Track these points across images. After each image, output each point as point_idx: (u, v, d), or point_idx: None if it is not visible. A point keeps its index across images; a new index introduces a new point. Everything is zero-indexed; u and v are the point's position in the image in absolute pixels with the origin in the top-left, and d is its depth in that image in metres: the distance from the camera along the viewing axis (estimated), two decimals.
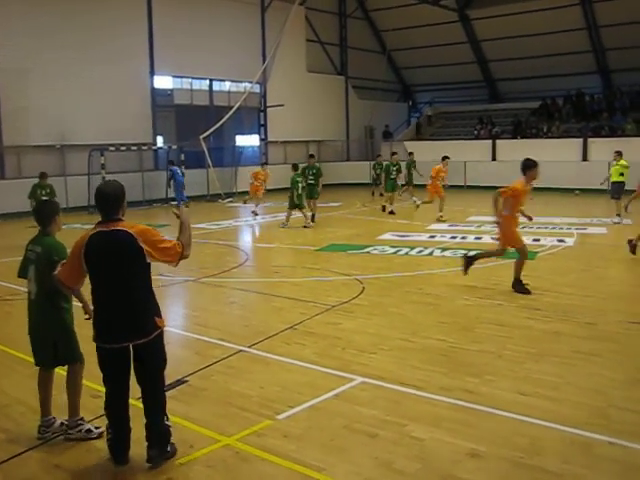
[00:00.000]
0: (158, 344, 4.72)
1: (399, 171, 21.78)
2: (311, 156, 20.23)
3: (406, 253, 13.19)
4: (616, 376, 6.20)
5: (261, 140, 31.95)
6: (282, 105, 30.05)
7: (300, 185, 17.78)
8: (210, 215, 21.02)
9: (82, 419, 5.21)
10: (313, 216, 18.34)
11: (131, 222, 4.69)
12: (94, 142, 23.49)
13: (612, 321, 8.07)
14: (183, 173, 24.37)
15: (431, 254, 13.05)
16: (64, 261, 4.89)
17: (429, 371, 6.43)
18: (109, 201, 4.69)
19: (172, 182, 24.05)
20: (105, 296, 4.66)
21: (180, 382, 6.23)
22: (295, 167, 18.22)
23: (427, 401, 5.75)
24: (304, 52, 33.25)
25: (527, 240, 14.39)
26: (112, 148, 23.48)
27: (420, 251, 13.35)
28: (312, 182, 18.64)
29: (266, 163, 24.08)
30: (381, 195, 24.90)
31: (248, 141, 32.07)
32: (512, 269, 9.92)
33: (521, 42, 33.20)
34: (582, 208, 21.21)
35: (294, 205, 17.70)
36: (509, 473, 4.51)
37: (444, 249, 13.52)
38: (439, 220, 18.19)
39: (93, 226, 4.72)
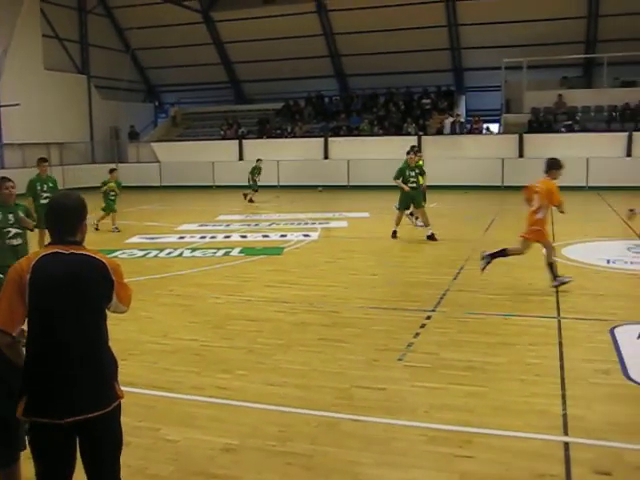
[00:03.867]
0: (116, 417, 3.44)
1: (422, 174, 15.60)
2: (42, 160, 13.10)
3: (155, 255, 12.97)
4: (357, 358, 6.65)
5: None
6: (18, 104, 27.97)
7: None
8: None
9: None
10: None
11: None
12: None
13: (353, 308, 8.63)
14: None
15: (181, 255, 12.98)
16: None
17: (182, 372, 6.39)
18: (69, 217, 3.38)
19: None
20: (54, 347, 3.23)
21: None
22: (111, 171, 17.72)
23: (180, 402, 5.72)
24: (40, 48, 31.20)
25: (274, 236, 15.08)
26: None
27: (169, 252, 13.21)
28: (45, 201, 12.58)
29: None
30: (251, 201, 23.26)
31: None
32: (262, 265, 10.19)
33: (264, 45, 34.23)
34: (325, 203, 22.41)
35: None
36: (263, 462, 4.64)
37: (194, 249, 13.52)
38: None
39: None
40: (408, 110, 32.65)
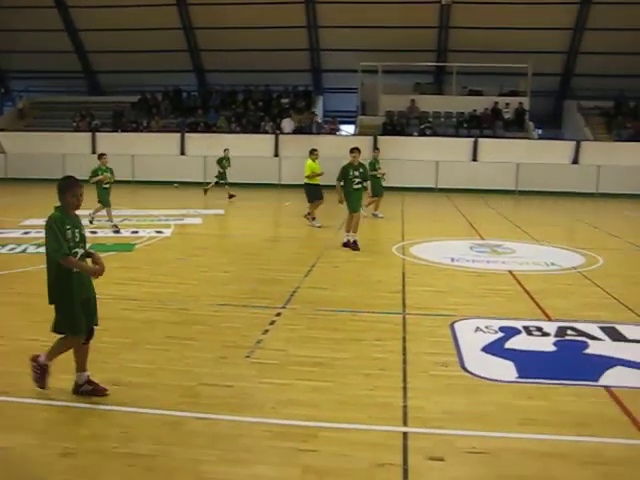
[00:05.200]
0: None
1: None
2: None
3: None
4: (205, 356, 6.57)
5: None
6: None
7: None
8: None
9: None
10: None
11: None
12: None
13: (203, 305, 8.54)
14: None
15: (25, 251, 12.31)
16: None
17: (20, 374, 6.02)
18: None
19: None
20: None
21: None
22: None
23: (17, 406, 5.41)
24: None
25: (125, 232, 14.66)
26: None
27: (12, 248, 12.50)
28: None
29: None
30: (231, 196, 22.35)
31: None
32: (112, 262, 9.81)
33: (121, 35, 33.19)
34: (180, 200, 22.06)
35: None
36: (102, 465, 4.48)
37: (39, 245, 12.81)
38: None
39: None
40: (266, 108, 32.80)
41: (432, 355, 6.70)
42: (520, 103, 31.42)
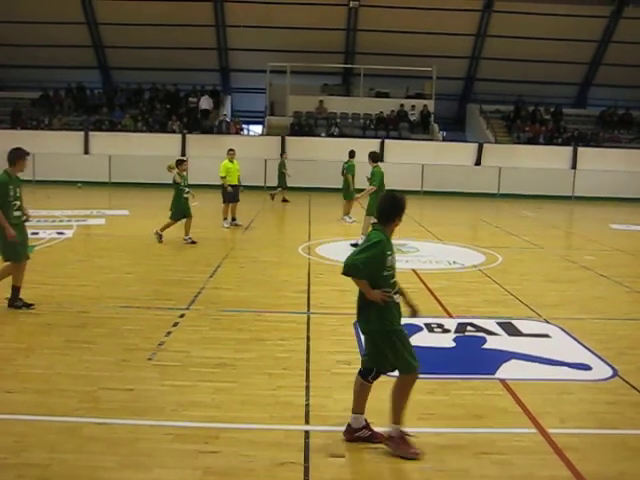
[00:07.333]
0: None
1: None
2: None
3: None
4: (106, 359, 6.41)
5: None
6: None
7: None
8: None
9: None
10: None
11: None
12: None
13: (105, 307, 8.33)
14: None
15: None
16: None
17: None
18: None
19: None
20: None
21: None
22: None
23: None
24: None
25: None
26: None
27: None
28: None
29: None
30: (285, 200, 22.83)
31: None
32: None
33: (20, 28, 31.79)
34: (83, 200, 21.46)
35: None
36: None
37: None
38: None
39: None
40: (174, 108, 32.29)
41: (335, 354, 6.76)
42: (425, 106, 32.14)
